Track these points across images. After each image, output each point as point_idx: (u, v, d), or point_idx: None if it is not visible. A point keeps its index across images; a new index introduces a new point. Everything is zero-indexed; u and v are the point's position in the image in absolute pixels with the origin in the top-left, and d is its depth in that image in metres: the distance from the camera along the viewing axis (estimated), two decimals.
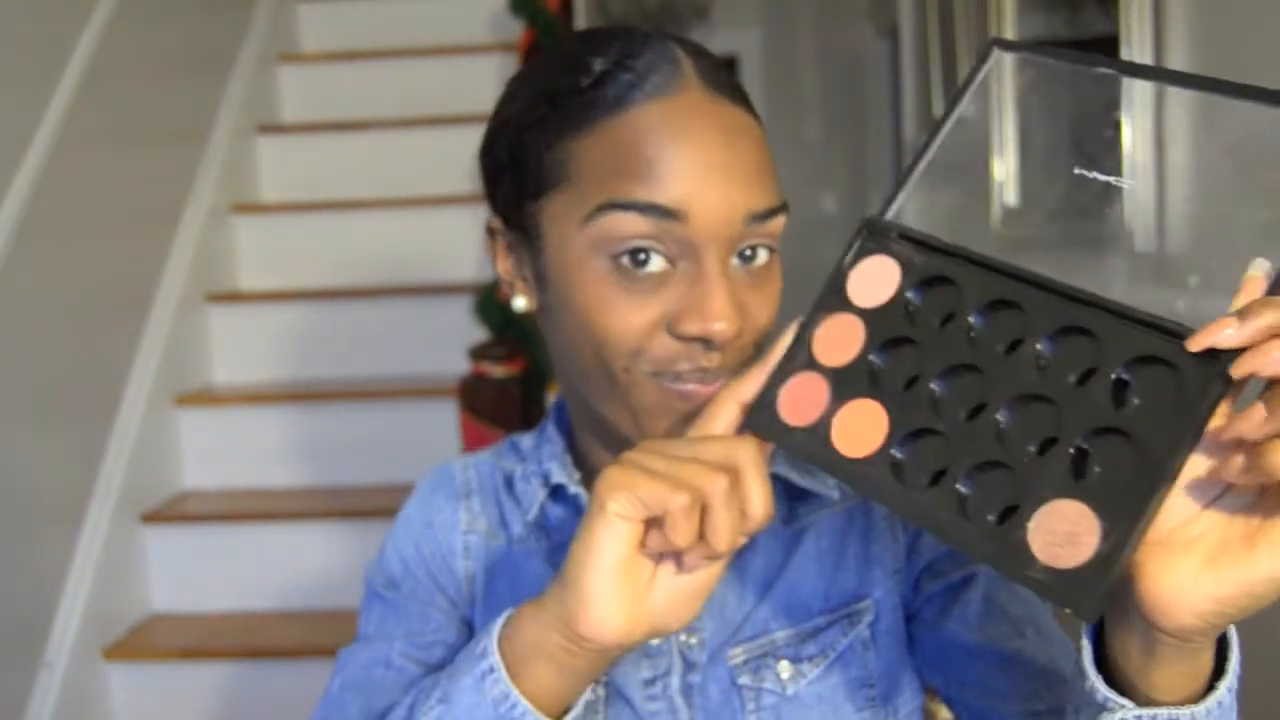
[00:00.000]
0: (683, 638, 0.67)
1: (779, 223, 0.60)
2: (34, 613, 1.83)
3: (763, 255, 0.60)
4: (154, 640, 2.05)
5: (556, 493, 0.71)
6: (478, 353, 2.09)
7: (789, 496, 0.69)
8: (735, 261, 0.59)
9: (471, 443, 2.03)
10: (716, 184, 0.57)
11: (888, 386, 0.50)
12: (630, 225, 0.57)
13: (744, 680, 0.66)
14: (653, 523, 0.50)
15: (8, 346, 1.78)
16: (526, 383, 2.17)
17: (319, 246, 2.68)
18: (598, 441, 0.69)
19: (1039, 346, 0.46)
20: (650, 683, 0.66)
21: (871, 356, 0.50)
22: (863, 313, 0.52)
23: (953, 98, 0.55)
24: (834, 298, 0.53)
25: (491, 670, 0.53)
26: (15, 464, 1.79)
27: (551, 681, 0.53)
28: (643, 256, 0.57)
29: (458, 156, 2.80)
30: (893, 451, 0.48)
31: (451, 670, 0.57)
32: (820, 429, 0.50)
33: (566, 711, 0.55)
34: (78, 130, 1.98)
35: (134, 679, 2.00)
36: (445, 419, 2.27)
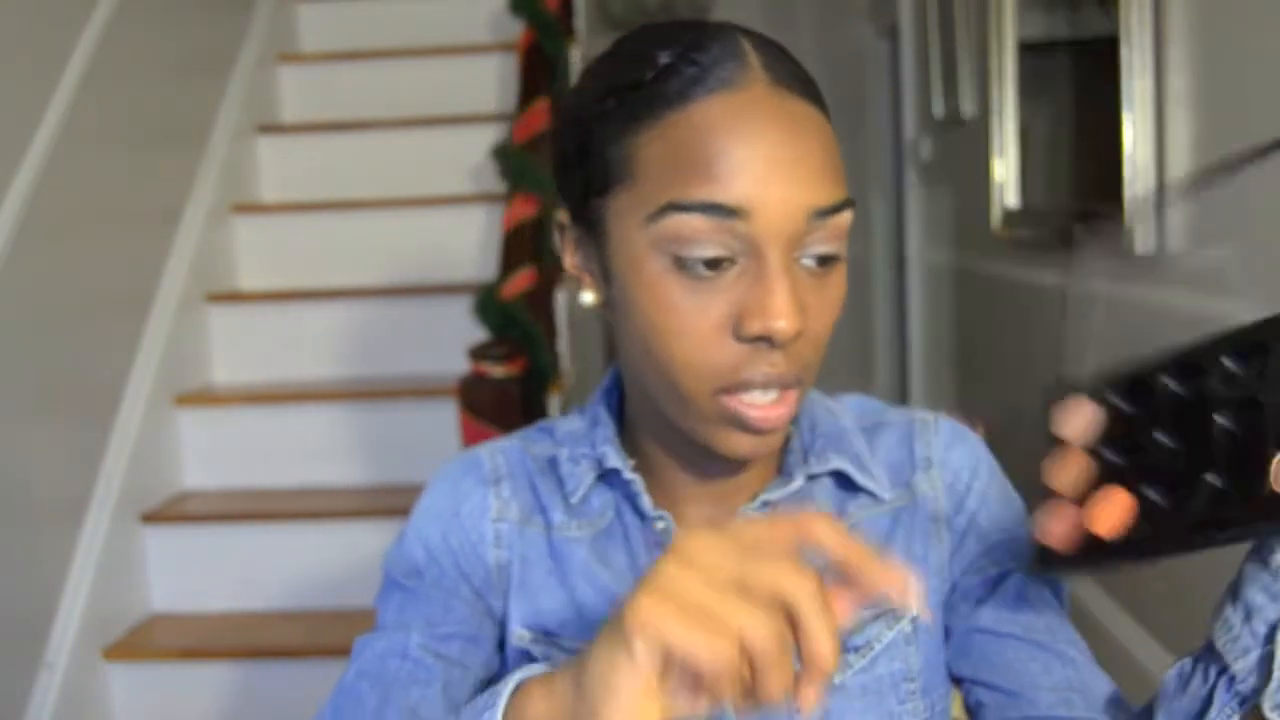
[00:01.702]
0: None
1: (844, 219, 0.59)
2: (34, 613, 1.83)
3: (828, 255, 0.59)
4: (154, 640, 2.06)
5: (604, 477, 0.70)
6: (478, 353, 2.09)
7: (840, 490, 0.70)
8: (803, 260, 0.59)
9: (471, 443, 2.03)
10: (779, 181, 0.56)
11: (1120, 471, 0.53)
12: (692, 226, 0.56)
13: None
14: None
15: (8, 346, 1.78)
16: (526, 383, 2.17)
17: (319, 246, 2.69)
18: (652, 432, 0.68)
19: (1227, 363, 0.50)
20: None
21: (1100, 453, 0.54)
22: (1078, 440, 0.56)
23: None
24: (1051, 446, 0.57)
25: None
26: (15, 464, 1.79)
27: None
28: (705, 257, 0.57)
29: (458, 156, 2.81)
30: (1147, 496, 0.51)
31: None
32: (1078, 531, 0.53)
33: None
34: (78, 130, 1.98)
35: (134, 679, 2.00)
36: (445, 419, 2.27)
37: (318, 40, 3.21)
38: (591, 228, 0.63)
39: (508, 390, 2.06)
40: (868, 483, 0.69)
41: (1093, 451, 0.55)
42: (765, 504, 0.68)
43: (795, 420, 0.70)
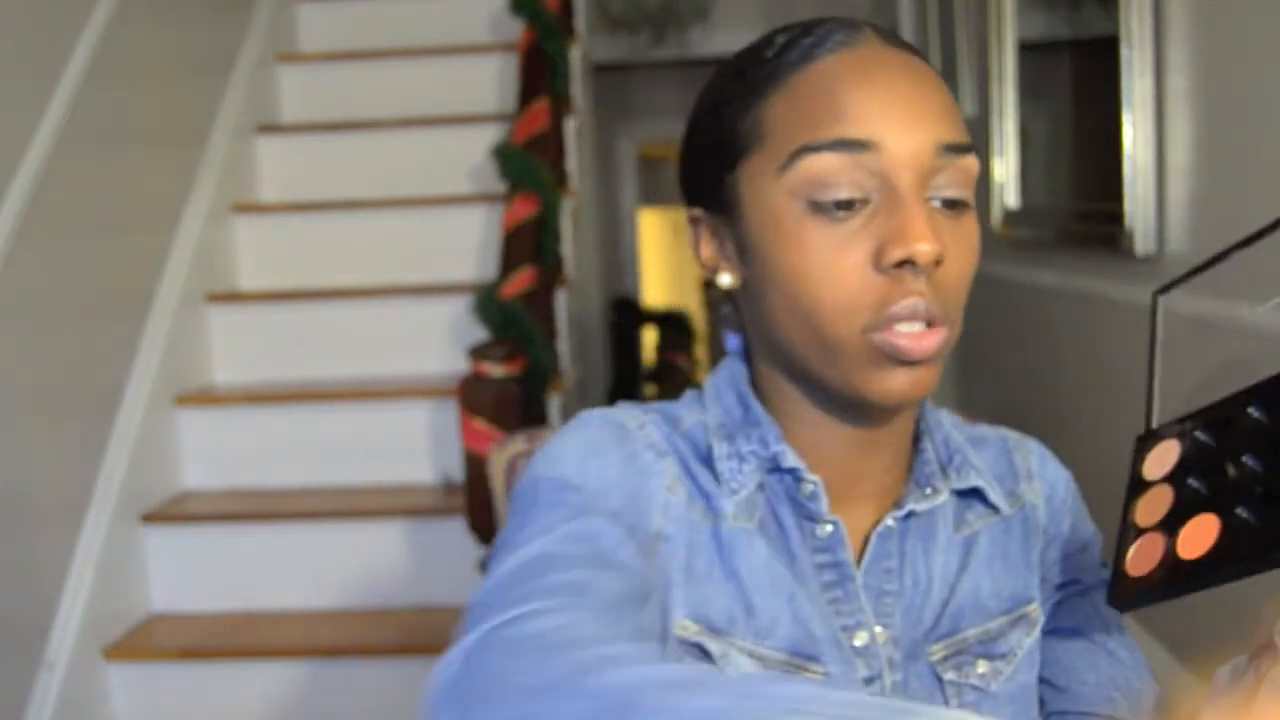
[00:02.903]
0: (878, 630, 0.66)
1: (972, 162, 0.61)
2: (34, 613, 1.83)
3: (958, 199, 0.60)
4: (154, 640, 2.05)
5: (768, 475, 0.67)
6: (478, 353, 2.09)
7: (960, 503, 0.71)
8: (934, 201, 0.60)
9: (471, 442, 2.03)
10: (904, 114, 0.58)
11: (1209, 499, 0.55)
12: (825, 165, 0.58)
13: (949, 675, 0.67)
14: None
15: (8, 346, 1.78)
16: (526, 383, 2.17)
17: (319, 246, 2.69)
18: (807, 427, 0.67)
19: None
20: (869, 682, 0.66)
21: (1188, 483, 0.56)
22: (1164, 479, 0.58)
23: (1149, 349, 0.65)
24: (1137, 487, 0.59)
25: None
26: (15, 464, 1.79)
27: None
28: (839, 199, 0.58)
29: (458, 156, 2.81)
30: (1236, 515, 0.52)
31: None
32: (1167, 559, 0.54)
33: None
34: (78, 130, 1.98)
35: (134, 679, 2.00)
36: (445, 419, 2.27)
37: (318, 40, 3.21)
38: (725, 207, 0.64)
39: (508, 390, 2.06)
40: (999, 500, 0.71)
41: (1175, 484, 0.57)
42: (910, 514, 0.68)
43: (928, 431, 0.70)
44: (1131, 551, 0.57)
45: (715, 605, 0.64)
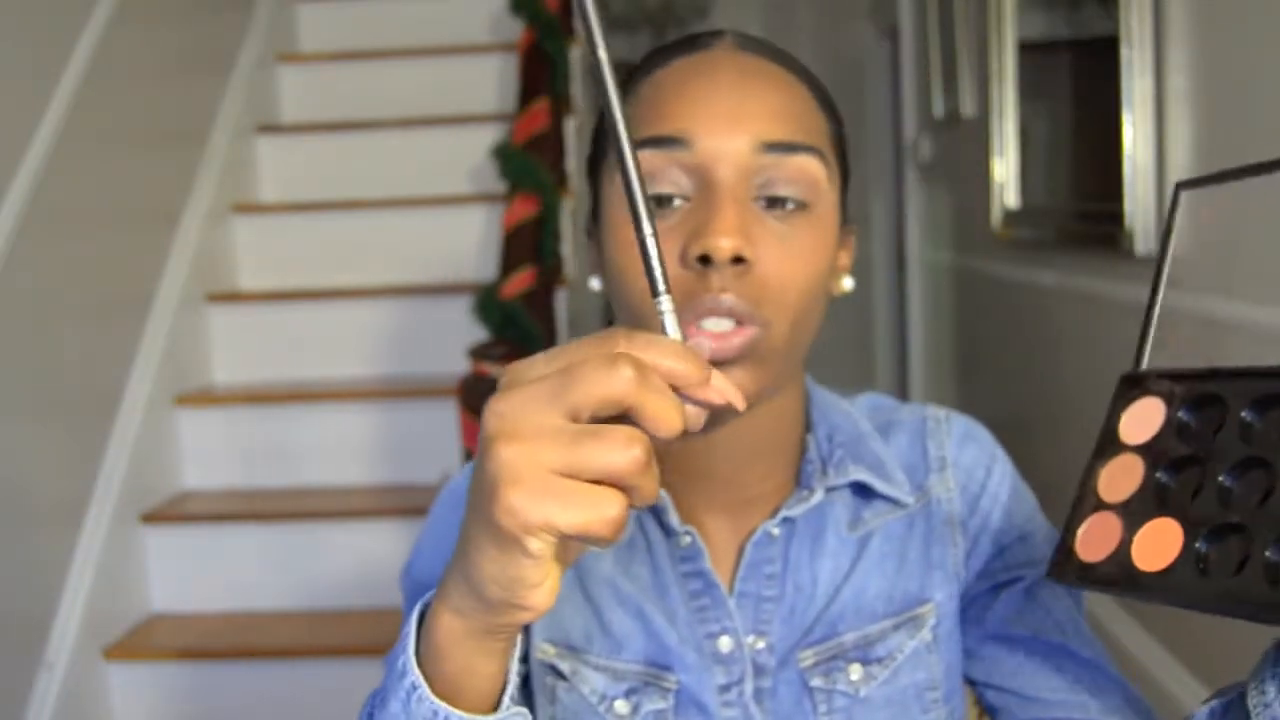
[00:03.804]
0: (750, 640, 0.66)
1: (806, 164, 0.58)
2: (34, 613, 1.83)
3: (786, 198, 0.58)
4: (154, 640, 2.06)
5: None
6: (478, 353, 2.09)
7: (856, 498, 0.69)
8: (759, 199, 0.58)
9: (471, 443, 2.03)
10: (723, 112, 0.58)
11: (1176, 500, 0.51)
12: (644, 162, 0.57)
13: (816, 683, 0.66)
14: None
15: (8, 346, 1.78)
16: None
17: (319, 246, 2.69)
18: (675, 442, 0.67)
19: None
20: (725, 689, 0.66)
21: (1157, 475, 0.52)
22: (1138, 448, 0.54)
23: (1161, 244, 0.59)
24: (1109, 446, 0.55)
25: (415, 688, 0.47)
26: (15, 464, 1.79)
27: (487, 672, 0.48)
28: (656, 191, 0.58)
29: (457, 156, 2.81)
30: (1196, 546, 0.49)
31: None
32: (1120, 555, 0.51)
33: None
34: (78, 130, 1.98)
35: (134, 679, 2.00)
36: (445, 419, 2.27)
37: (318, 40, 3.21)
38: (596, 217, 0.65)
39: None
40: (889, 490, 0.68)
41: (1146, 461, 0.53)
42: (786, 520, 0.67)
43: (811, 428, 0.69)
44: (1085, 527, 0.53)
45: (574, 625, 0.68)
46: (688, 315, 0.56)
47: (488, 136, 2.74)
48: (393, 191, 2.73)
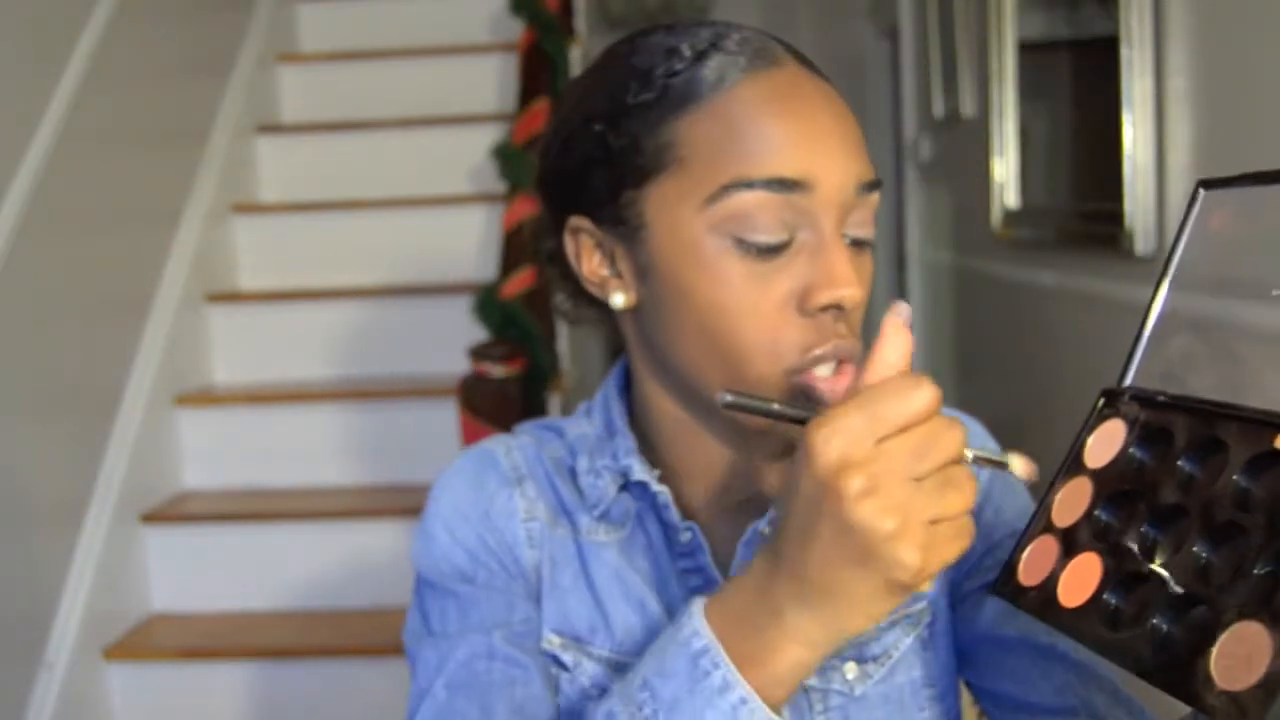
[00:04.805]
0: None
1: (878, 199, 0.61)
2: (34, 613, 1.83)
3: (865, 240, 0.60)
4: (154, 640, 2.06)
5: (626, 487, 0.69)
6: (478, 353, 2.09)
7: None
8: (846, 240, 0.59)
9: (471, 443, 2.03)
10: (833, 152, 0.58)
11: (1109, 538, 0.51)
12: (756, 202, 0.57)
13: (812, 681, 0.66)
14: None
15: (8, 346, 1.78)
16: (526, 383, 2.17)
17: (319, 246, 2.69)
18: (675, 442, 0.67)
19: (1235, 478, 0.47)
20: None
21: (1097, 512, 0.52)
22: (1092, 473, 0.54)
23: (1172, 246, 0.59)
24: (1072, 465, 0.55)
25: (745, 701, 0.51)
26: (15, 464, 1.79)
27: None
28: (768, 242, 0.57)
29: (458, 156, 2.81)
30: (1105, 597, 0.49)
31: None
32: (1048, 585, 0.52)
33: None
34: (78, 130, 1.98)
35: (134, 679, 2.00)
36: (445, 419, 2.27)
37: (318, 40, 3.21)
38: (623, 225, 0.62)
39: (508, 390, 2.06)
40: None
41: (1098, 483, 0.53)
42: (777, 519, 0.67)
43: None
44: (1030, 549, 0.53)
45: (579, 616, 0.68)
46: (805, 362, 0.58)
47: (488, 136, 2.74)
48: (393, 191, 2.73)
